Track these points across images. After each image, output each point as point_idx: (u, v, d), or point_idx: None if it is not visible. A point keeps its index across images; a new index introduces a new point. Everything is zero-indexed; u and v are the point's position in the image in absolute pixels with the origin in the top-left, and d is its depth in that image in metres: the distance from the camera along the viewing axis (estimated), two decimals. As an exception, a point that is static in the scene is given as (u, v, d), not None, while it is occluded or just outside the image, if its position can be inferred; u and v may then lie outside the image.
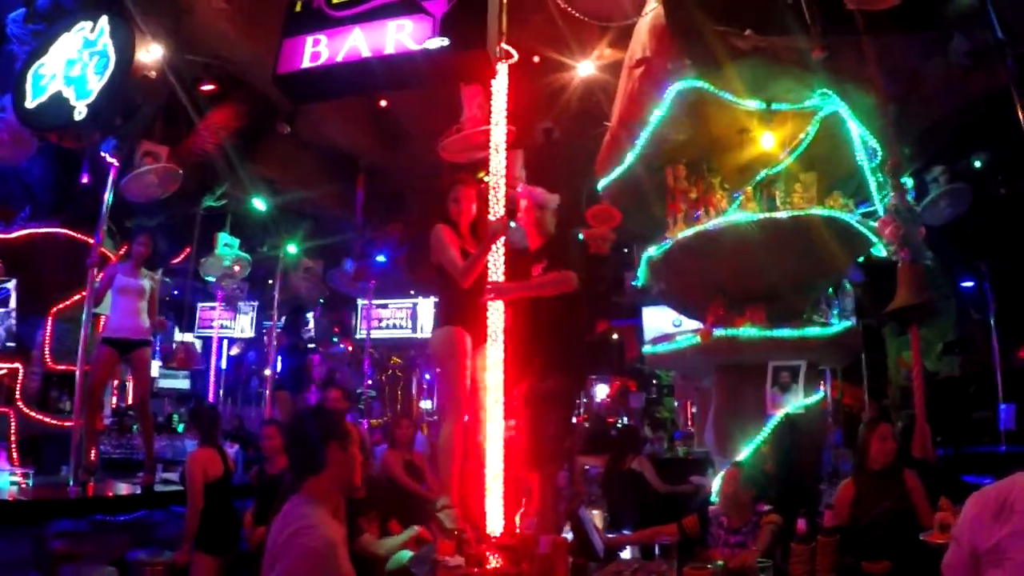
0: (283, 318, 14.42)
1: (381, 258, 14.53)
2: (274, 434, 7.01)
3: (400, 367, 20.42)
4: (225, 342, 17.60)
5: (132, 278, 8.14)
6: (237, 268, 12.69)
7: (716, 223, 7.41)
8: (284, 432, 3.36)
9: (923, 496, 5.04)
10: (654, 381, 19.17)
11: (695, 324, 9.21)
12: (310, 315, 16.68)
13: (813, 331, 7.37)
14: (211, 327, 16.50)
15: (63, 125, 7.90)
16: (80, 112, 7.67)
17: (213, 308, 16.10)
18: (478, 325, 5.23)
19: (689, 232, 7.57)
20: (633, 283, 9.23)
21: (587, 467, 9.88)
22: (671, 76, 7.24)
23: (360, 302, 17.47)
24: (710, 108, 7.40)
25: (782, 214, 7.25)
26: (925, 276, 6.19)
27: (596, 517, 6.77)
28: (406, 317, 18.13)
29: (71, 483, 7.34)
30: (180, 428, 13.98)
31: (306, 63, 5.58)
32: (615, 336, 19.72)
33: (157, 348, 13.66)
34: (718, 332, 7.38)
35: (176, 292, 15.22)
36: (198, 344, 16.90)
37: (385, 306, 17.98)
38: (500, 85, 5.47)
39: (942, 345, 13.44)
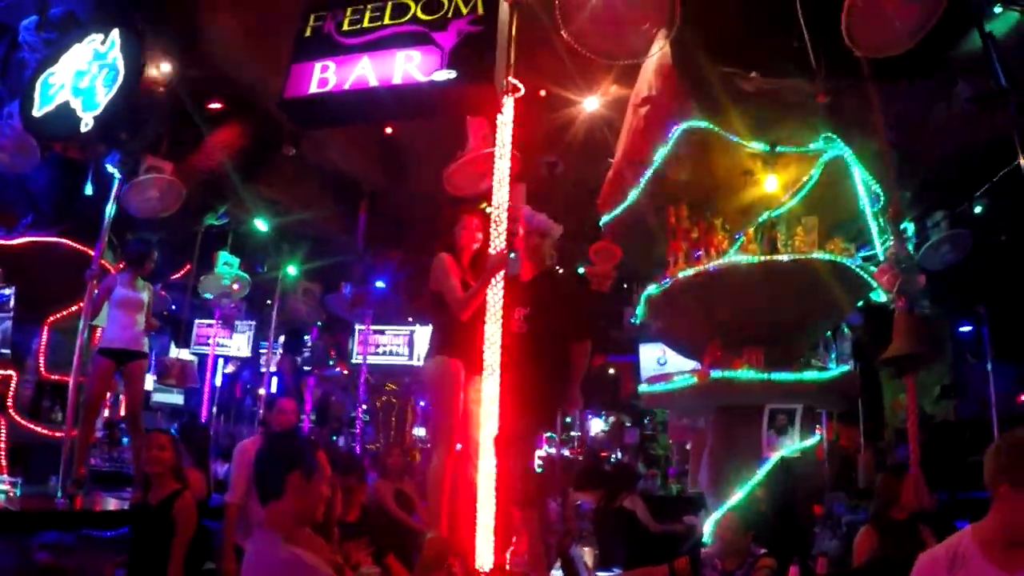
0: (281, 338, 14.39)
1: (380, 284, 14.52)
2: (166, 445, 5.51)
3: (395, 393, 20.34)
4: (220, 360, 17.54)
5: (131, 290, 7.94)
6: (236, 287, 12.70)
7: (717, 264, 7.41)
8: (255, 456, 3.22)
9: None
10: (647, 418, 19.02)
11: (682, 362, 9.18)
12: (307, 337, 16.64)
13: (811, 375, 7.34)
14: (207, 344, 16.46)
15: (69, 136, 7.89)
16: (87, 124, 7.64)
17: (210, 326, 16.06)
18: (473, 356, 5.18)
19: (689, 272, 7.56)
20: (631, 320, 9.19)
21: (579, 502, 9.82)
22: (676, 116, 7.28)
23: (358, 327, 17.42)
24: (714, 149, 7.44)
25: (783, 257, 7.25)
26: (921, 326, 6.17)
27: (586, 555, 6.73)
28: (403, 344, 18.05)
29: (59, 495, 7.26)
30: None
31: (313, 89, 5.58)
32: (611, 371, 19.64)
33: (152, 361, 13.57)
34: (715, 374, 7.34)
35: (174, 308, 15.18)
36: (195, 361, 16.86)
37: (382, 332, 17.93)
38: (506, 118, 5.47)
39: (939, 388, 13.41)
